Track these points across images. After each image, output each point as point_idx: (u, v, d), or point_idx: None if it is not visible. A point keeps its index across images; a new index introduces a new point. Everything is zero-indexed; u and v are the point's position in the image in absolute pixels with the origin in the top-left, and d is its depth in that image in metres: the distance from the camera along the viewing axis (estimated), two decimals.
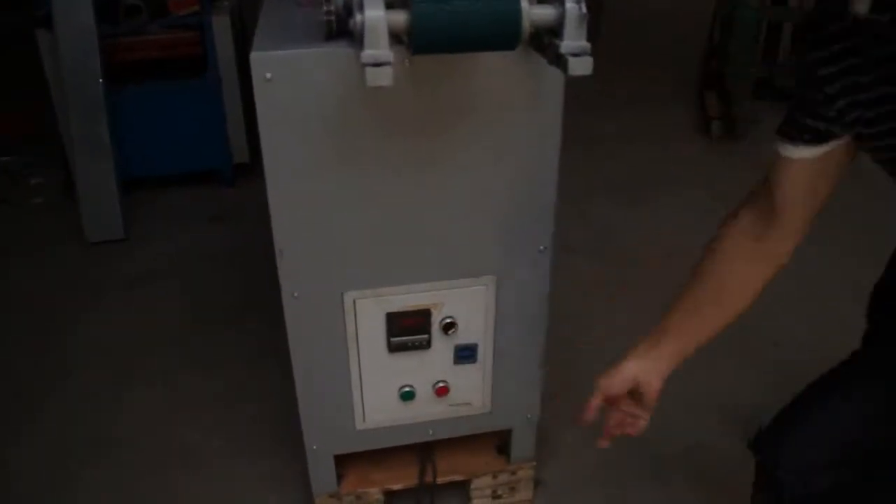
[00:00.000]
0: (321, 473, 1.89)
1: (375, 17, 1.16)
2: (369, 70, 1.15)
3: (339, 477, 1.93)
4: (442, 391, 1.77)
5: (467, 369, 1.77)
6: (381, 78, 1.15)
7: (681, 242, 3.16)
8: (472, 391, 1.81)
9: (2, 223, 3.35)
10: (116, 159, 3.15)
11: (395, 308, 1.65)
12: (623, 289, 2.90)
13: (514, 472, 2.01)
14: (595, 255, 3.02)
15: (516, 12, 1.22)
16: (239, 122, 3.40)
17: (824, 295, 2.86)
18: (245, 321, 2.73)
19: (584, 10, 1.22)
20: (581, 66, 1.21)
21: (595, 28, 1.30)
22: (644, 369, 1.40)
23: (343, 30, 1.31)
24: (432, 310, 1.66)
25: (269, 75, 1.37)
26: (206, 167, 3.50)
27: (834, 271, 2.97)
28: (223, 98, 3.32)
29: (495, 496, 2.04)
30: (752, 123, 3.99)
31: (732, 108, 4.07)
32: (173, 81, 3.31)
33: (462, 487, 2.04)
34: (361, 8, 1.16)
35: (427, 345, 1.70)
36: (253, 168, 3.49)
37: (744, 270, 1.35)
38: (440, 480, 1.97)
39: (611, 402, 1.44)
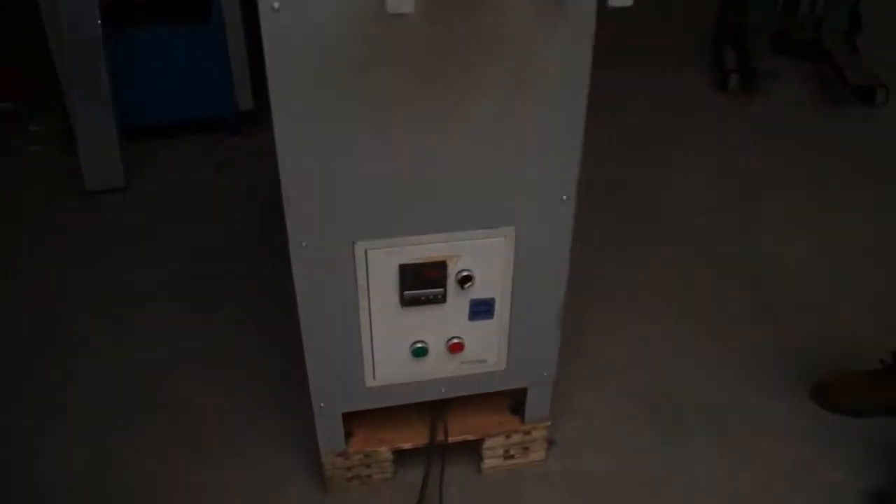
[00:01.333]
0: (328, 432, 1.83)
1: None
2: None
3: (347, 435, 1.87)
4: (456, 348, 1.70)
5: (483, 325, 1.69)
6: (403, 4, 1.05)
7: (694, 196, 3.09)
8: (487, 348, 1.74)
9: (0, 170, 3.25)
10: (116, 106, 3.04)
11: (408, 259, 1.56)
12: (635, 243, 2.82)
13: (527, 432, 1.95)
14: (607, 209, 2.94)
15: None
16: (243, 69, 3.28)
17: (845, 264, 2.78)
18: (248, 272, 2.65)
19: None
20: None
21: None
22: None
23: None
24: (448, 262, 1.58)
25: (276, 4, 1.27)
26: (210, 115, 3.38)
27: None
28: (227, 43, 3.20)
29: (507, 456, 1.98)
30: (770, 78, 3.87)
31: (750, 62, 3.94)
32: (176, 25, 3.19)
33: (474, 447, 1.98)
34: None
35: (442, 299, 1.62)
36: (258, 116, 3.38)
37: None
38: (451, 440, 1.90)
39: None
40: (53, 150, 3.36)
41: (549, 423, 1.95)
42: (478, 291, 1.63)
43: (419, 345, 1.68)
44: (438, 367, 1.74)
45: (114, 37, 3.00)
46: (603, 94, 1.47)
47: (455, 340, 1.69)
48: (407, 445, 1.90)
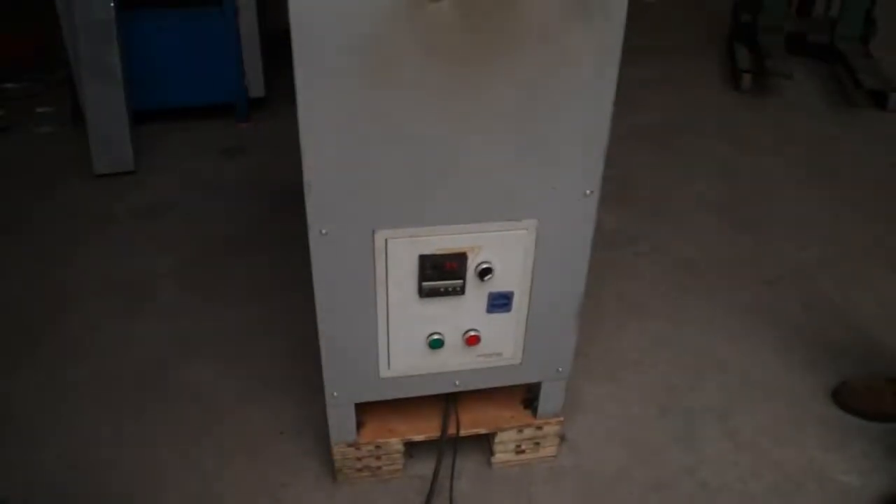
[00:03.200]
0: (340, 421, 1.81)
1: None
2: None
3: (358, 426, 1.85)
4: (472, 340, 1.68)
5: (501, 318, 1.67)
6: None
7: (705, 194, 3.07)
8: (503, 342, 1.72)
9: (7, 152, 3.23)
10: (127, 88, 3.02)
11: (428, 250, 1.54)
12: (645, 239, 2.81)
13: (539, 427, 1.93)
14: (619, 202, 2.92)
15: None
16: (255, 55, 3.26)
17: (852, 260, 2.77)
18: (255, 257, 2.64)
19: None
20: None
21: None
22: None
23: None
24: (468, 253, 1.56)
25: None
26: (220, 100, 3.37)
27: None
28: (240, 28, 3.18)
29: (519, 451, 1.96)
30: (783, 78, 3.85)
31: (764, 62, 3.92)
32: (189, 8, 3.17)
33: (485, 441, 1.96)
34: None
35: (461, 291, 1.60)
36: (268, 103, 3.36)
37: None
38: (463, 433, 1.89)
39: None
40: (62, 133, 3.34)
41: (561, 419, 1.93)
42: (497, 284, 1.61)
43: (435, 336, 1.67)
44: (454, 359, 1.72)
45: (126, 19, 2.98)
46: (616, 90, 1.45)
47: (472, 333, 1.67)
48: (418, 437, 1.89)
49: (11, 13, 3.90)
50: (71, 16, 2.92)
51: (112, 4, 2.90)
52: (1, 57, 3.68)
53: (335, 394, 1.74)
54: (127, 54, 3.00)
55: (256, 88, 3.35)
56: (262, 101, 3.38)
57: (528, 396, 1.93)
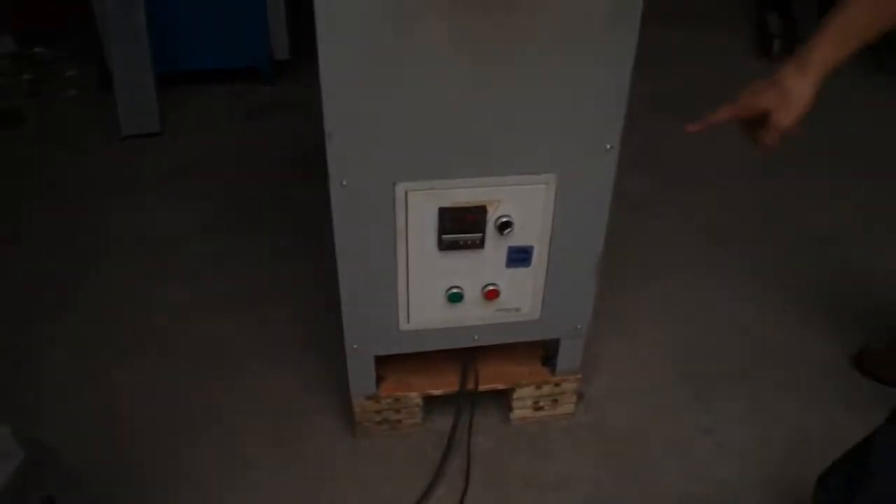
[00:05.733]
0: (360, 375, 1.84)
1: None
2: None
3: (378, 380, 1.87)
4: (492, 294, 1.69)
5: (520, 273, 1.68)
6: None
7: (731, 161, 3.04)
8: (522, 296, 1.73)
9: (36, 116, 3.27)
10: (153, 51, 3.04)
11: (448, 203, 1.55)
12: (668, 204, 2.80)
13: (557, 384, 1.94)
14: (641, 168, 2.90)
15: None
16: (280, 18, 3.26)
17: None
18: (281, 217, 2.67)
19: None
20: None
21: None
22: (797, 81, 1.29)
23: None
24: (488, 207, 1.57)
25: None
26: (246, 63, 3.38)
27: None
28: None
29: (537, 407, 1.98)
30: None
31: (795, 27, 3.85)
32: None
33: (503, 397, 1.98)
34: None
35: (480, 244, 1.61)
36: (293, 65, 3.37)
37: None
38: (482, 388, 1.91)
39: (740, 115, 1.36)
40: (89, 95, 3.37)
41: (579, 376, 1.95)
42: (516, 238, 1.62)
43: (455, 290, 1.68)
44: (472, 313, 1.73)
45: None
46: (642, 54, 1.44)
47: (491, 287, 1.68)
48: (437, 392, 1.91)
49: None
50: None
51: None
52: (29, 22, 3.71)
53: (355, 346, 1.76)
54: (153, 17, 3.01)
55: (281, 51, 3.35)
56: (287, 64, 3.39)
57: (547, 353, 1.94)
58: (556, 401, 1.97)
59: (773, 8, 4.08)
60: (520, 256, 1.65)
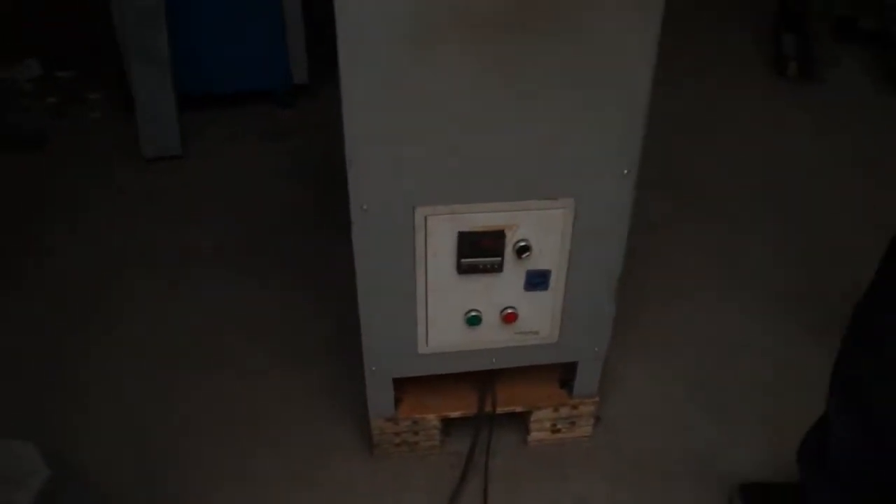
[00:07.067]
0: (378, 397, 1.85)
1: None
2: None
3: (396, 401, 1.89)
4: (510, 318, 1.70)
5: (538, 296, 1.69)
6: None
7: (745, 179, 3.05)
8: (540, 320, 1.74)
9: (59, 137, 3.32)
10: (174, 74, 3.08)
11: (467, 227, 1.57)
12: (684, 224, 2.80)
13: (575, 407, 1.95)
14: (657, 188, 2.91)
15: None
16: (300, 42, 3.30)
17: None
18: (300, 240, 2.69)
19: None
20: None
21: None
22: None
23: None
24: (506, 231, 1.58)
25: None
26: (265, 87, 3.42)
27: None
28: (285, 15, 3.22)
29: (554, 430, 1.98)
30: (830, 66, 3.79)
31: (811, 48, 3.86)
32: None
33: (521, 419, 1.99)
34: None
35: (499, 268, 1.62)
36: (312, 89, 3.41)
37: None
38: (499, 411, 1.92)
39: None
40: (112, 118, 3.42)
41: (597, 399, 1.95)
42: (534, 262, 1.63)
43: (473, 313, 1.69)
44: (491, 336, 1.75)
45: (173, 6, 3.04)
46: (656, 74, 1.46)
47: (509, 310, 1.70)
48: (455, 414, 1.92)
49: (61, 2, 4.01)
50: (121, 3, 3.00)
51: None
52: (53, 46, 3.78)
53: (374, 368, 1.78)
54: (174, 40, 3.06)
55: (300, 75, 3.39)
56: (306, 88, 3.43)
57: (565, 375, 1.95)
58: (573, 423, 1.98)
59: (789, 29, 4.09)
60: (538, 280, 1.66)
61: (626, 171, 1.56)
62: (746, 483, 1.87)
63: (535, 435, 1.98)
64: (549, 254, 1.64)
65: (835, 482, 1.59)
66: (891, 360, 1.41)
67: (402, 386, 1.89)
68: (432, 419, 1.91)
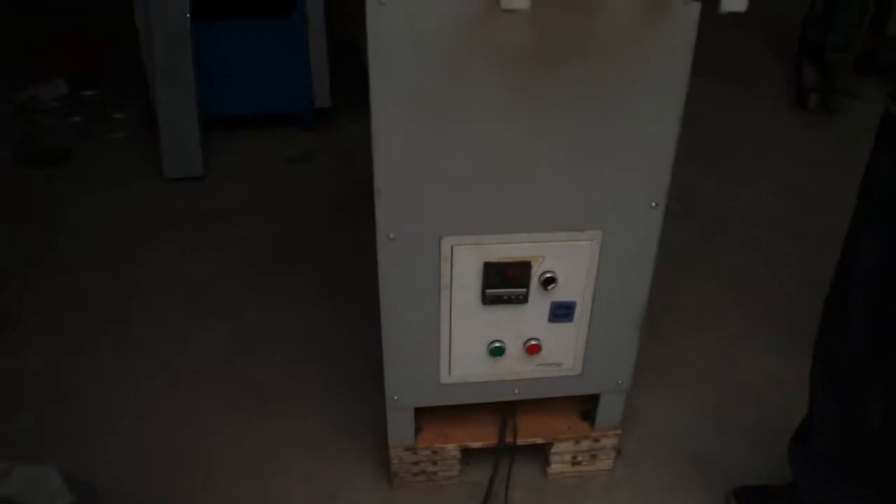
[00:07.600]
0: (399, 426, 1.84)
1: None
2: None
3: (416, 430, 1.87)
4: (534, 349, 1.69)
5: (562, 328, 1.68)
6: (518, 0, 1.05)
7: (768, 212, 3.03)
8: (564, 352, 1.73)
9: (83, 156, 3.36)
10: (198, 96, 3.11)
11: (493, 258, 1.57)
12: (707, 255, 2.79)
13: (596, 440, 1.93)
14: (679, 219, 2.90)
15: None
16: (323, 66, 3.33)
17: None
18: (321, 263, 2.69)
19: None
20: (736, 1, 1.09)
21: None
22: None
23: None
24: (532, 262, 1.58)
25: None
26: (287, 110, 3.45)
27: None
28: (308, 40, 3.25)
29: (575, 462, 1.96)
30: (851, 98, 3.78)
31: (832, 80, 3.85)
32: (259, 20, 3.25)
33: (542, 451, 1.97)
34: None
35: (524, 299, 1.62)
36: (334, 113, 3.43)
37: None
38: (520, 442, 1.90)
39: None
40: (135, 138, 3.46)
41: (619, 432, 1.93)
42: (560, 294, 1.63)
43: (497, 344, 1.68)
44: (514, 367, 1.74)
45: (199, 30, 3.07)
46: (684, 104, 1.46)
47: (533, 342, 1.69)
48: (475, 444, 1.91)
49: (88, 24, 4.06)
50: (148, 26, 3.04)
51: (188, 16, 3.00)
52: (79, 66, 3.83)
53: (395, 397, 1.77)
54: (199, 63, 3.10)
55: (322, 99, 3.41)
56: (328, 112, 3.45)
57: (587, 408, 1.93)
58: (594, 456, 1.96)
59: (810, 61, 4.09)
60: (563, 312, 1.66)
61: (654, 204, 1.55)
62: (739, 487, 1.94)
63: (555, 467, 1.96)
64: (575, 285, 1.63)
65: (819, 461, 1.72)
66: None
67: (422, 414, 1.87)
68: (452, 449, 1.90)
